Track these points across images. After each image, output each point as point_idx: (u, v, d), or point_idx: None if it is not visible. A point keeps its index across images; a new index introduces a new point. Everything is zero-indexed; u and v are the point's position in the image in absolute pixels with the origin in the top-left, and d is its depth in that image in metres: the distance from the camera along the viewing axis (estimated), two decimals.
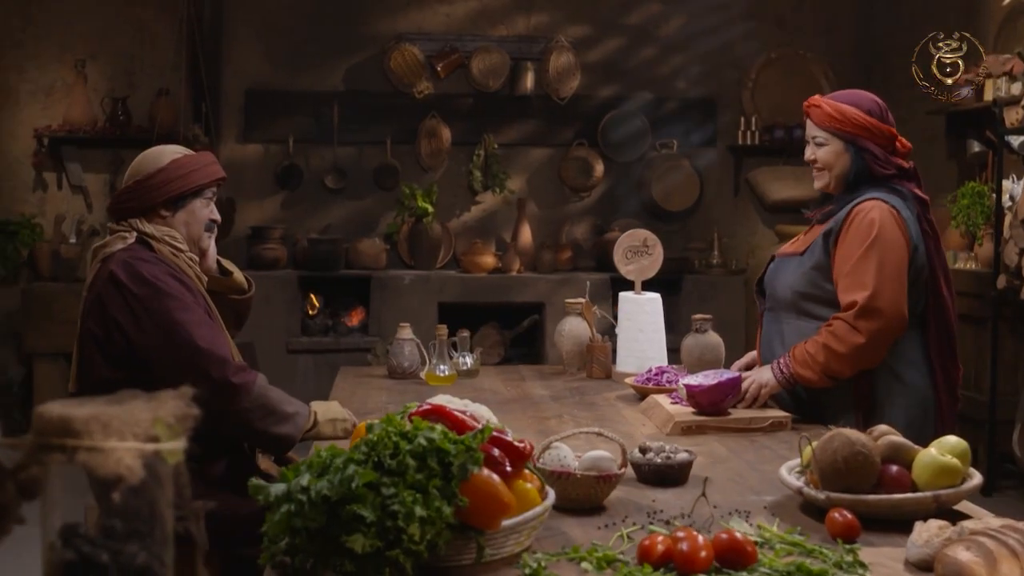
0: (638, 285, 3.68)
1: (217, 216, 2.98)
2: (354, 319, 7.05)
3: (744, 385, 2.96)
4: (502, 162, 7.32)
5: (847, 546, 1.84)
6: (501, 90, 7.31)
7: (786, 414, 2.91)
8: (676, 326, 6.97)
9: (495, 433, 1.87)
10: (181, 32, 6.84)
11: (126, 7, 7.12)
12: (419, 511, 1.67)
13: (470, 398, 3.29)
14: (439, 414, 1.89)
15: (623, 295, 3.66)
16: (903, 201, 2.95)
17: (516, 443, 1.90)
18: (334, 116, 7.21)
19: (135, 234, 2.80)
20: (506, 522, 1.78)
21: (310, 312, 7.01)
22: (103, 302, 2.69)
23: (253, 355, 6.43)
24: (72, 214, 7.01)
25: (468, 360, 3.72)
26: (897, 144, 3.00)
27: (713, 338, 3.60)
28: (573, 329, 3.80)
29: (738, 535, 1.78)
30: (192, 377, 2.61)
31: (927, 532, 1.81)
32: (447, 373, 3.56)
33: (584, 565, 1.78)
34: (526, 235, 7.24)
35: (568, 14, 7.42)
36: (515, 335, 6.94)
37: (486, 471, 1.75)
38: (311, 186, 7.29)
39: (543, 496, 1.91)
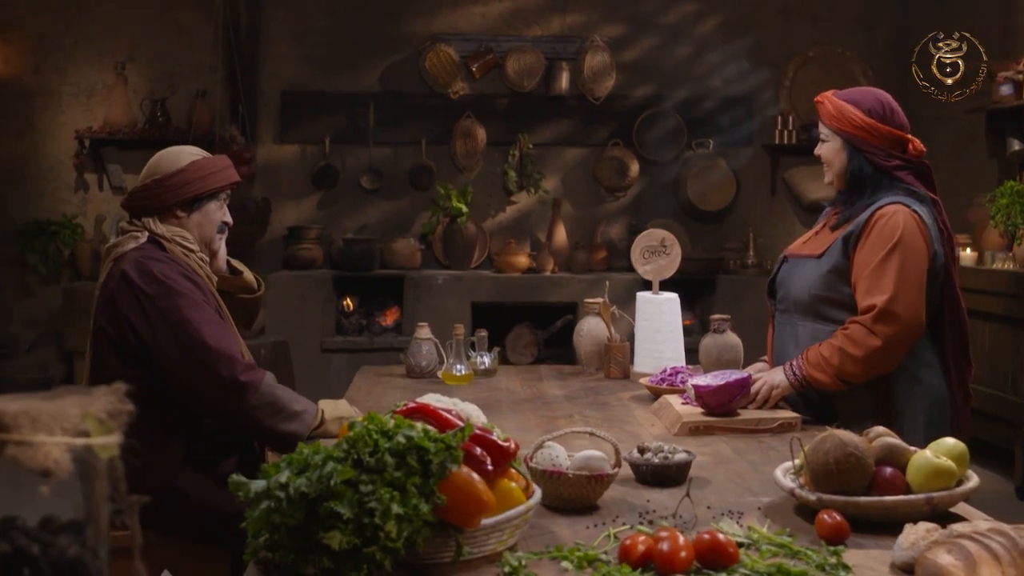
0: (656, 285, 3.66)
1: (229, 219, 3.01)
2: (389, 319, 7.08)
3: (755, 387, 2.94)
4: (537, 162, 7.32)
5: (831, 548, 1.82)
6: (536, 90, 7.32)
7: (795, 415, 2.88)
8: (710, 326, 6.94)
9: (478, 432, 1.88)
10: (219, 34, 6.93)
11: (166, 10, 7.22)
12: (396, 508, 1.68)
13: (486, 397, 3.33)
14: (423, 413, 1.89)
15: (640, 295, 3.65)
16: (924, 205, 2.92)
17: (501, 442, 1.90)
18: (370, 117, 7.25)
19: (147, 234, 2.85)
20: (486, 521, 1.79)
21: (345, 312, 7.05)
22: (115, 300, 2.73)
23: (287, 354, 6.48)
24: (112, 214, 7.11)
25: (486, 360, 3.73)
26: (909, 147, 2.96)
27: (731, 338, 3.57)
28: (592, 329, 3.80)
29: (720, 536, 1.77)
30: (201, 375, 2.65)
31: (914, 535, 1.79)
32: (464, 372, 3.57)
33: (564, 564, 1.78)
34: (561, 235, 7.23)
35: (603, 14, 7.41)
36: (548, 335, 6.94)
37: (466, 469, 1.76)
38: (347, 186, 7.34)
39: (528, 495, 1.92)
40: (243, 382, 2.66)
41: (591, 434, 2.17)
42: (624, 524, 2.01)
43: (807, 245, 3.14)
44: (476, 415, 2.03)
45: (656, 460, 2.32)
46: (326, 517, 1.68)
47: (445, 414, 1.89)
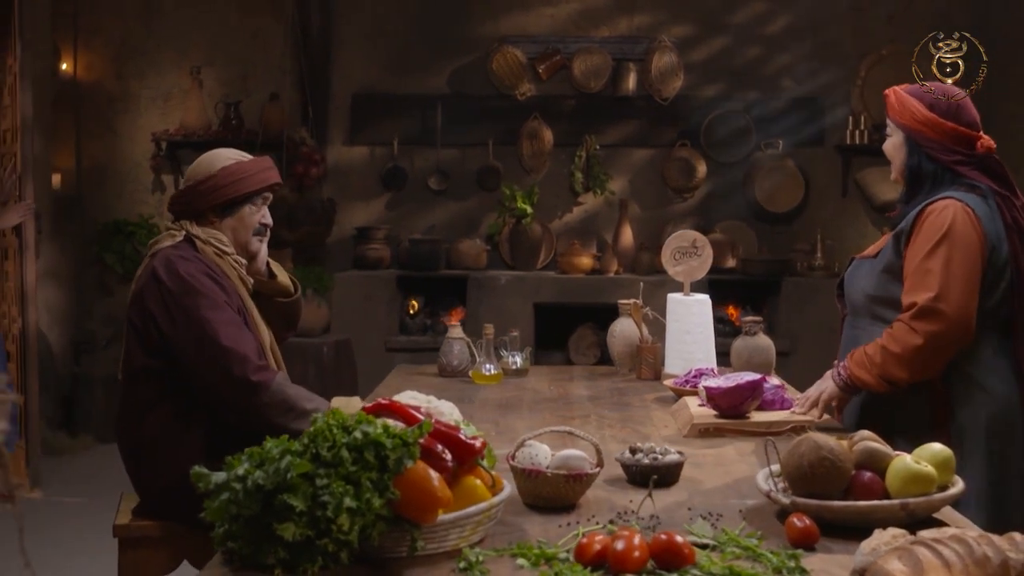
0: (687, 286, 3.64)
1: (268, 220, 3.08)
2: (453, 319, 7.13)
3: (806, 392, 2.89)
4: (603, 163, 7.32)
5: (790, 552, 1.80)
6: (603, 91, 7.31)
7: (808, 419, 2.84)
8: (776, 327, 6.87)
9: (444, 429, 1.90)
10: (290, 38, 7.07)
11: (240, 15, 7.39)
12: (348, 502, 1.71)
13: (509, 397, 3.36)
14: (391, 410, 1.93)
15: (671, 296, 3.63)
16: (981, 199, 2.79)
17: (468, 440, 1.92)
18: (438, 118, 7.33)
19: (184, 233, 2.94)
20: (445, 516, 1.81)
21: (410, 312, 7.14)
22: (143, 295, 2.83)
23: (350, 352, 6.60)
24: None
25: (518, 360, 3.75)
26: (977, 144, 2.86)
27: (763, 341, 3.55)
28: (624, 330, 3.80)
29: (678, 538, 1.77)
30: (214, 372, 2.73)
31: (877, 540, 1.76)
32: (493, 372, 3.61)
33: (520, 561, 1.80)
34: (627, 236, 7.21)
35: (671, 14, 7.37)
36: None
37: (422, 466, 1.78)
38: (415, 187, 7.43)
39: (495, 493, 1.93)
40: (254, 381, 2.72)
41: (570, 433, 2.18)
42: (596, 524, 2.01)
43: (873, 246, 3.06)
44: (449, 412, 2.06)
45: (646, 461, 2.32)
46: (281, 509, 1.72)
47: (412, 411, 1.92)
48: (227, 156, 3.04)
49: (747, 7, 7.33)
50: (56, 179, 7.27)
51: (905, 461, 2.00)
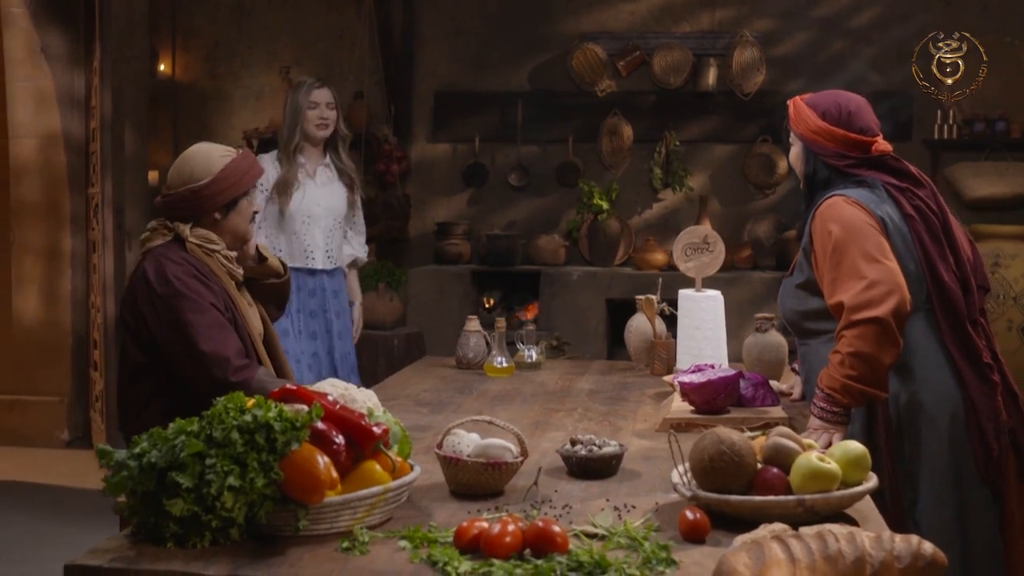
0: (698, 282, 3.63)
1: (258, 207, 3.20)
2: (529, 314, 7.20)
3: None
4: (683, 159, 7.27)
5: (661, 543, 1.82)
6: (683, 87, 7.27)
7: (783, 415, 2.82)
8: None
9: (345, 415, 1.98)
10: (374, 38, 7.24)
11: (327, 15, 7.60)
12: (232, 481, 1.81)
13: (510, 389, 3.42)
14: (297, 395, 2.01)
15: (682, 292, 3.63)
16: (867, 189, 2.81)
17: (371, 426, 1.99)
18: (518, 115, 7.40)
19: (173, 232, 3.05)
20: (334, 498, 1.89)
21: (486, 306, 7.23)
22: (135, 295, 2.96)
23: (422, 346, 6.73)
24: None
25: (532, 353, 3.80)
26: (872, 149, 2.86)
27: (775, 338, 3.53)
28: (640, 326, 3.81)
29: (554, 527, 1.81)
30: (196, 373, 2.86)
31: (753, 534, 1.77)
32: (505, 365, 3.67)
33: (401, 543, 1.86)
34: None
35: (753, 8, 7.27)
36: None
37: (309, 449, 1.86)
38: (495, 184, 7.52)
39: (396, 478, 2.00)
40: (232, 382, 2.81)
41: (490, 423, 2.23)
42: (506, 511, 2.05)
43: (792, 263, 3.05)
44: (363, 399, 2.13)
45: (583, 453, 2.35)
46: (171, 486, 1.83)
47: (318, 398, 2.00)
48: (217, 155, 3.06)
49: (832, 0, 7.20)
50: (153, 176, 7.60)
51: (808, 458, 1.99)
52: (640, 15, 7.41)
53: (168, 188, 3.06)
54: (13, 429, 6.65)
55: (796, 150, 2.97)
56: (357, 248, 4.87)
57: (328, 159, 4.72)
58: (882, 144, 2.86)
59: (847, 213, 2.73)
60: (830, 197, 2.80)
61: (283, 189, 4.54)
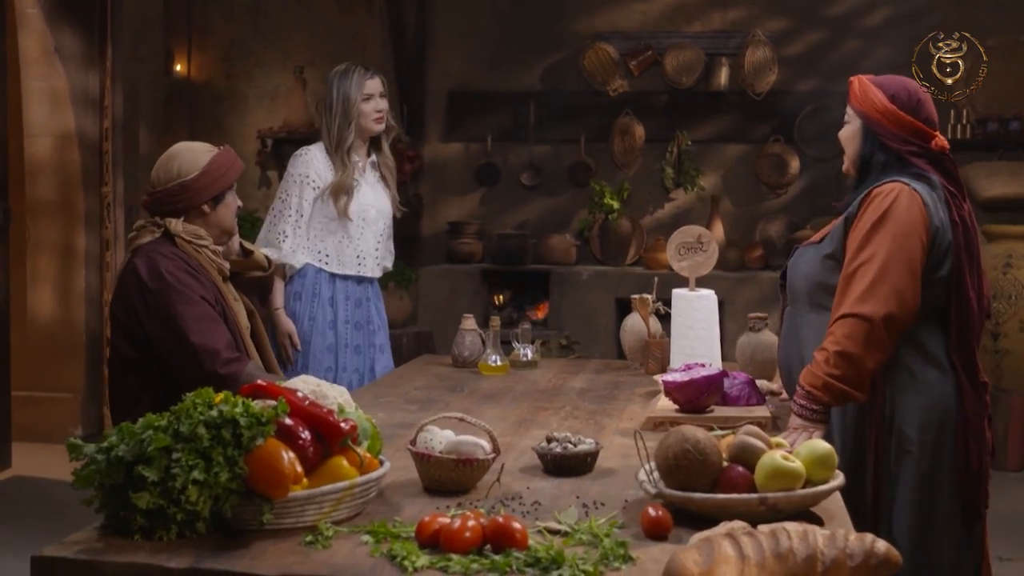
0: (692, 282, 3.63)
1: (240, 201, 3.25)
2: (539, 313, 7.23)
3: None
4: (695, 159, 7.27)
5: (619, 540, 1.83)
6: (695, 86, 7.27)
7: (767, 414, 2.82)
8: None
9: (313, 411, 2.00)
10: (387, 37, 7.28)
11: (341, 15, 7.64)
12: (196, 475, 1.83)
13: (501, 387, 3.43)
14: (266, 391, 2.03)
15: (675, 292, 3.63)
16: (929, 188, 2.76)
17: (339, 422, 2.01)
18: (530, 115, 7.43)
19: (162, 229, 3.10)
20: (300, 493, 1.91)
21: (496, 305, 7.26)
22: (126, 290, 3.01)
23: (431, 344, 6.76)
24: None
25: (528, 352, 3.81)
26: (932, 142, 2.82)
27: (768, 337, 3.52)
28: (635, 325, 3.82)
29: (515, 524, 1.82)
30: (187, 365, 2.90)
31: (710, 532, 1.78)
32: (499, 363, 3.68)
33: (364, 537, 1.88)
34: (718, 232, 7.14)
35: (765, 8, 7.27)
36: None
37: (274, 444, 1.88)
38: (508, 183, 7.55)
39: (364, 473, 2.02)
40: (222, 374, 2.86)
41: (461, 419, 2.25)
42: (474, 507, 2.07)
43: (819, 232, 3.02)
44: (334, 396, 2.15)
45: (558, 450, 2.37)
46: (138, 480, 1.86)
47: (288, 394, 2.02)
48: (202, 150, 3.13)
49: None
50: None
51: (772, 457, 1.99)
52: (652, 15, 7.41)
53: (155, 185, 3.12)
54: (28, 425, 6.72)
55: (853, 128, 2.88)
56: (390, 255, 4.42)
57: (373, 156, 4.23)
58: (942, 139, 2.81)
59: (910, 212, 2.68)
60: (895, 182, 2.73)
61: (342, 192, 4.02)
